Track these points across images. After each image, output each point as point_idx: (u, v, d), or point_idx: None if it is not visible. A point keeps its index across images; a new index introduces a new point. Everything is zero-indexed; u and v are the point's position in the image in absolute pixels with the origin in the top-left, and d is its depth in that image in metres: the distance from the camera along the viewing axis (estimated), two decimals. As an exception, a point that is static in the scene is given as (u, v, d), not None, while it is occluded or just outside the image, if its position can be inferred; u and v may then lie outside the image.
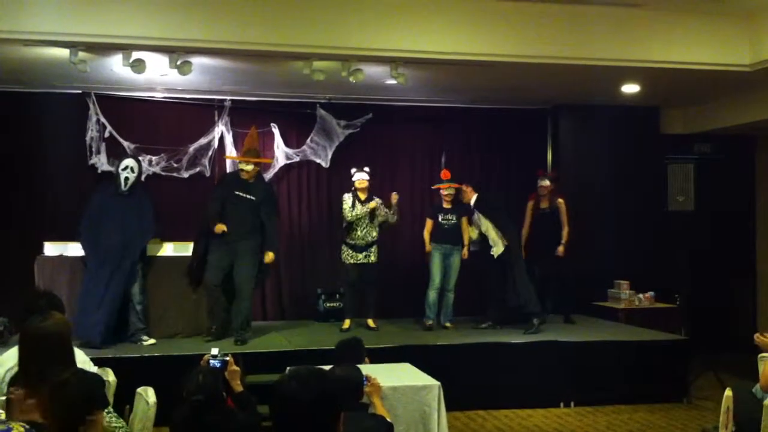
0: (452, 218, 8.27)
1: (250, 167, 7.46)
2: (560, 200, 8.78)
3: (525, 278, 8.03)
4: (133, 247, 7.16)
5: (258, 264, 7.44)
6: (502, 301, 8.13)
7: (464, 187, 8.33)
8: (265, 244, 7.43)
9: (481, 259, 8.29)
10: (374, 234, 8.07)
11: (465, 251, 8.31)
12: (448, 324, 8.31)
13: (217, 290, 7.37)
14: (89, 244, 7.13)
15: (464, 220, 8.31)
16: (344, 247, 8.13)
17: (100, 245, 7.07)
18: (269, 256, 7.41)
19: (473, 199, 8.25)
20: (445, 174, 8.38)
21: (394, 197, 8.08)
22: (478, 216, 8.25)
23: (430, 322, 8.22)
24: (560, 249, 8.65)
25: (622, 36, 7.33)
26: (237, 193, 7.41)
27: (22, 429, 1.60)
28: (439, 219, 8.27)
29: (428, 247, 8.26)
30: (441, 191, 8.33)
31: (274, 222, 7.56)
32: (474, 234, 8.32)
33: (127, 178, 7.21)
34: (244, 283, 7.35)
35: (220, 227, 7.25)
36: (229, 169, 8.68)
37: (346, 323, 8.14)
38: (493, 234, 8.12)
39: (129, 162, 7.31)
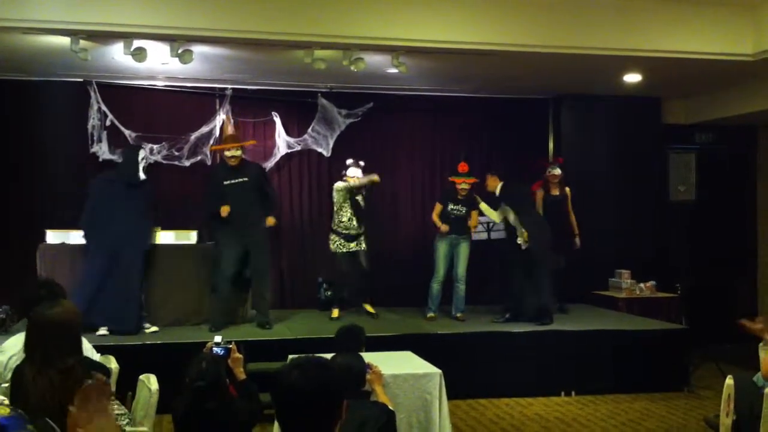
0: (462, 210, 8.21)
1: (238, 152, 7.44)
2: (567, 189, 8.78)
3: (545, 283, 7.93)
4: (143, 235, 7.22)
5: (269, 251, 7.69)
6: (522, 295, 8.01)
7: (489, 176, 8.26)
8: (266, 210, 7.55)
9: (506, 249, 8.24)
10: (359, 225, 8.04)
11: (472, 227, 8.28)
12: (459, 315, 8.21)
13: (229, 281, 7.43)
14: (94, 233, 7.11)
15: (474, 213, 8.25)
16: (333, 236, 8.12)
17: (107, 235, 7.05)
18: (270, 221, 7.54)
19: (498, 187, 8.16)
20: (462, 167, 8.26)
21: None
22: (503, 206, 8.13)
23: (432, 314, 8.19)
24: (578, 241, 8.67)
25: (624, 25, 7.31)
26: (229, 182, 7.42)
27: (7, 410, 1.61)
28: (449, 207, 8.20)
29: (442, 227, 8.11)
30: (457, 185, 8.22)
31: (273, 191, 7.85)
32: (497, 218, 8.24)
33: (144, 167, 7.25)
34: (263, 271, 7.56)
35: (225, 209, 7.27)
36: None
37: (335, 312, 8.15)
38: (519, 225, 8.01)
39: (143, 152, 7.36)
